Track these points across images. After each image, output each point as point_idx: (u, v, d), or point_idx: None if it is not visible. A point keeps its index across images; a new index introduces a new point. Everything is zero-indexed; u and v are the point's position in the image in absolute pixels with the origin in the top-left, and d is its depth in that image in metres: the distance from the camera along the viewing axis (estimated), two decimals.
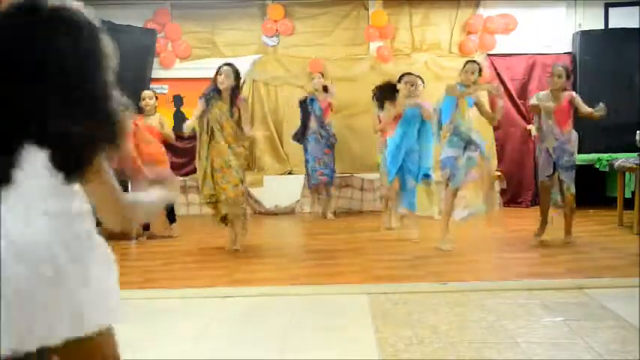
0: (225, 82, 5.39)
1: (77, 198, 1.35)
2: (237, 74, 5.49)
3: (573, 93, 5.67)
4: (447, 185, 5.48)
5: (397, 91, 5.83)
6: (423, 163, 5.92)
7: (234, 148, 5.44)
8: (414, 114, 5.76)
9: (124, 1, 7.89)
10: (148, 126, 6.28)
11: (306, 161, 7.51)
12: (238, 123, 5.47)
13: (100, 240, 1.40)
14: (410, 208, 5.92)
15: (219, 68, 5.46)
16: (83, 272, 1.31)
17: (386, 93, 5.97)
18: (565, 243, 5.65)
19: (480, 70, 5.50)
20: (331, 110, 7.52)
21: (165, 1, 8.03)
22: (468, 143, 5.35)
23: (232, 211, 5.53)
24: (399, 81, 5.89)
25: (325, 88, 7.45)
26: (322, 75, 7.56)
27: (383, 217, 6.71)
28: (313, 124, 7.42)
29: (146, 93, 6.55)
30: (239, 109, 5.47)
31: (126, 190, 1.45)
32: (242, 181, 5.54)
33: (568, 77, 5.57)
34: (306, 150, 7.49)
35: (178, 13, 8.08)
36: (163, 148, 6.35)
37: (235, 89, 5.48)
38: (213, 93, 5.44)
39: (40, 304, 1.24)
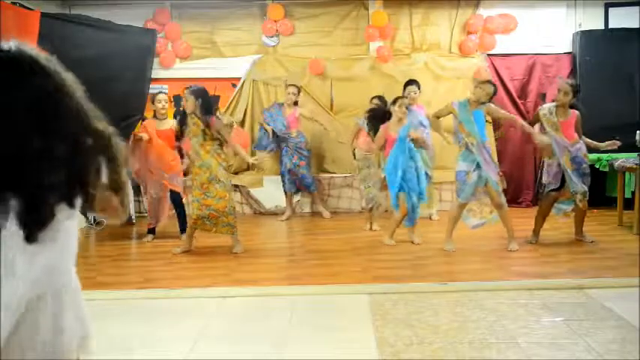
0: (188, 106, 5.45)
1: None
2: (197, 94, 5.42)
3: (578, 114, 5.62)
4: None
5: (389, 113, 5.84)
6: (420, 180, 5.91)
7: (218, 164, 5.43)
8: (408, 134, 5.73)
9: (124, 1, 7.89)
10: (162, 131, 6.18)
11: (282, 174, 7.50)
12: (218, 139, 5.45)
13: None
14: (408, 224, 5.87)
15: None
16: None
17: (377, 119, 5.99)
18: (578, 240, 5.72)
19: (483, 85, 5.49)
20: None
21: (165, 1, 8.01)
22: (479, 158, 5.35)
23: (218, 225, 5.50)
24: (394, 103, 5.87)
25: (296, 103, 7.46)
26: (299, 91, 7.50)
27: (366, 219, 6.75)
28: (280, 134, 7.42)
29: (161, 96, 6.35)
30: (213, 127, 5.42)
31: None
32: (229, 192, 5.52)
33: (575, 94, 5.51)
34: (281, 162, 7.51)
35: (178, 13, 8.07)
36: (177, 154, 6.19)
37: (205, 109, 5.40)
38: (184, 116, 5.59)
39: None
